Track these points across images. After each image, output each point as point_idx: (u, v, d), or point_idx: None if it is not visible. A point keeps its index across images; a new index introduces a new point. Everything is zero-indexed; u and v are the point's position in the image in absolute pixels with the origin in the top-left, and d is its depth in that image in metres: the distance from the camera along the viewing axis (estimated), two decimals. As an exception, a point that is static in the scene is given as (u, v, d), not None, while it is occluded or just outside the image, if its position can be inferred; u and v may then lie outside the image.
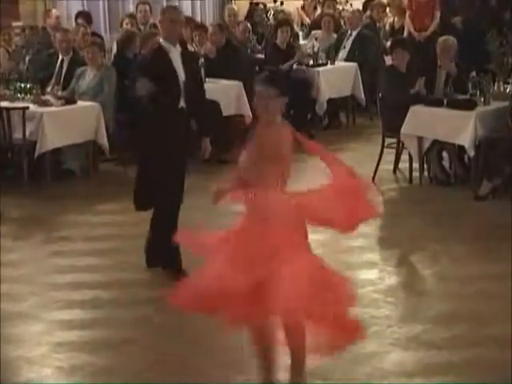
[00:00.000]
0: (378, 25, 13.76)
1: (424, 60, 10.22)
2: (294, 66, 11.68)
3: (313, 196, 4.58)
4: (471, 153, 8.70)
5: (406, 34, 12.62)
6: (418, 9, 12.53)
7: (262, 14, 14.77)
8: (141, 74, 6.52)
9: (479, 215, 8.22)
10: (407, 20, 12.69)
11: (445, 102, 8.90)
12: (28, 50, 10.51)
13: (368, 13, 13.99)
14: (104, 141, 9.49)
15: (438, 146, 9.12)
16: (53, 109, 9.33)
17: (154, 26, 11.07)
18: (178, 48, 6.66)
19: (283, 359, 4.77)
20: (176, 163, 6.64)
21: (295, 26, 13.93)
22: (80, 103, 9.59)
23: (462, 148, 8.95)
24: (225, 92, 10.48)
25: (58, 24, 12.13)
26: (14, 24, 12.57)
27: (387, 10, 14.29)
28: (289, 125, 4.67)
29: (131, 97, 6.74)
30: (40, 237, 7.84)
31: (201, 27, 11.76)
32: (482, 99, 8.95)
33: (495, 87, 9.27)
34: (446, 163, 9.36)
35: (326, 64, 11.90)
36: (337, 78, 11.86)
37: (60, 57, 10.40)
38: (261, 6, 15.25)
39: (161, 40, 6.72)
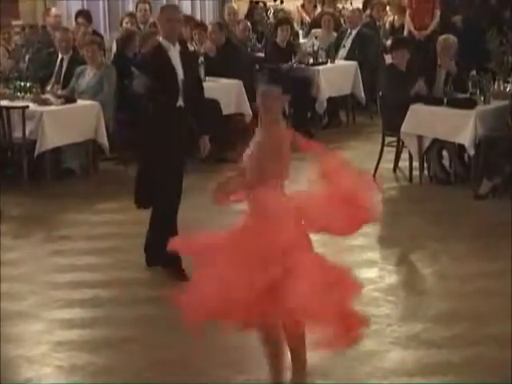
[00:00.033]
0: (377, 23, 13.75)
1: (424, 59, 10.22)
2: (294, 65, 11.68)
3: (311, 201, 4.57)
4: (471, 152, 8.70)
5: (406, 32, 12.63)
6: (418, 7, 12.53)
7: (261, 12, 14.76)
8: (140, 73, 6.53)
9: (479, 214, 8.22)
10: (407, 19, 12.69)
11: (445, 100, 8.91)
12: (28, 49, 10.50)
13: (368, 11, 13.99)
14: (104, 140, 9.48)
15: (438, 144, 9.12)
16: (52, 108, 9.32)
17: (154, 24, 11.03)
18: (177, 47, 6.66)
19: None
20: (174, 162, 6.63)
21: (295, 25, 13.92)
22: (80, 102, 9.58)
23: (462, 147, 8.95)
24: (225, 91, 10.48)
25: (58, 23, 12.12)
26: (14, 23, 12.55)
27: (387, 8, 14.29)
28: (287, 124, 4.68)
29: (131, 95, 6.75)
30: (40, 236, 7.84)
31: (201, 26, 11.75)
32: (482, 98, 8.95)
33: (495, 86, 9.27)
34: (446, 162, 9.36)
35: (325, 63, 11.89)
36: (337, 76, 11.85)
37: (60, 56, 10.39)
38: (261, 4, 15.25)
39: (160, 39, 6.72)
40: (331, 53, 12.06)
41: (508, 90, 9.27)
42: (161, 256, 6.74)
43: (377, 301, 6.22)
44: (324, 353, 5.14)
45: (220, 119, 10.03)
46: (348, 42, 12.51)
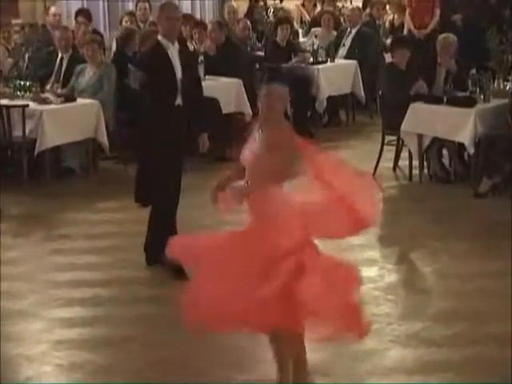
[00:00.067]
0: (377, 22, 13.76)
1: (424, 58, 10.22)
2: (294, 64, 11.67)
3: (312, 207, 4.55)
4: (471, 150, 8.70)
5: (405, 31, 12.62)
6: (417, 6, 12.52)
7: (261, 11, 14.77)
8: (136, 69, 6.53)
9: (479, 213, 8.22)
10: (407, 17, 12.68)
11: (445, 99, 8.91)
12: (27, 48, 10.49)
13: (368, 10, 14.00)
14: (104, 139, 9.48)
15: (438, 143, 9.12)
16: (52, 106, 9.31)
17: (154, 23, 11.06)
18: (177, 45, 6.66)
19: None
20: (173, 161, 6.63)
21: (295, 24, 13.93)
22: (80, 101, 9.57)
23: (461, 145, 8.95)
24: (224, 89, 10.47)
25: (58, 22, 12.12)
26: (14, 22, 12.57)
27: (387, 7, 14.30)
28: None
29: (131, 94, 6.75)
30: (40, 234, 7.84)
31: (200, 25, 11.75)
32: (482, 97, 8.96)
33: (495, 85, 9.28)
34: (445, 161, 9.37)
35: (325, 61, 11.89)
36: (337, 75, 11.85)
37: (59, 54, 10.38)
38: (261, 3, 15.27)
39: (159, 37, 6.72)
40: (331, 52, 12.05)
41: (508, 88, 9.27)
42: (160, 255, 6.75)
43: (377, 299, 6.22)
44: (325, 351, 5.17)
45: (220, 118, 10.03)
46: (348, 41, 12.51)
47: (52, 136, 9.12)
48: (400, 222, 8.11)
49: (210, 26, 11.35)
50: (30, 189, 9.05)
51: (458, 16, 12.35)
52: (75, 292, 6.48)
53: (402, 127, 9.05)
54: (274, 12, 14.79)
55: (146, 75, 6.74)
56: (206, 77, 10.20)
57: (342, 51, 12.45)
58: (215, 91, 9.95)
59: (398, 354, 5.42)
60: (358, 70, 11.94)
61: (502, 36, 9.92)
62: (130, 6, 13.76)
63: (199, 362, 5.33)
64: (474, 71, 9.22)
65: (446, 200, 8.64)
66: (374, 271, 6.80)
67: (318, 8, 15.50)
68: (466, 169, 9.13)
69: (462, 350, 5.41)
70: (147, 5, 12.45)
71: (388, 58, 10.73)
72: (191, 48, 10.63)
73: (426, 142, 9.06)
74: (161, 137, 6.54)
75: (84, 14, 12.42)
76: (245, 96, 10.55)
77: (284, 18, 12.48)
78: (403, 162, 9.52)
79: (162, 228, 6.55)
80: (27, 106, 9.09)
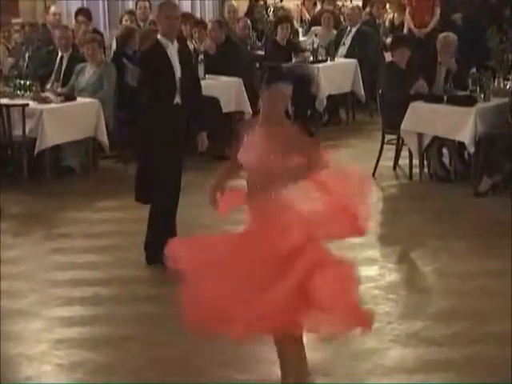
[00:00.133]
0: (377, 21, 13.77)
1: (424, 57, 10.22)
2: (294, 63, 11.67)
3: (313, 216, 4.53)
4: (471, 149, 8.70)
5: (405, 30, 12.62)
6: (417, 5, 12.52)
7: (261, 10, 14.77)
8: (133, 66, 6.53)
9: (479, 212, 8.22)
10: (407, 16, 12.68)
11: (445, 98, 8.90)
12: (28, 47, 10.50)
13: (368, 9, 14.01)
14: (104, 138, 9.48)
15: (438, 142, 9.11)
16: (52, 106, 9.31)
17: (154, 22, 11.05)
18: (176, 44, 6.66)
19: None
20: (173, 159, 6.63)
21: (295, 23, 13.93)
22: (80, 100, 9.57)
23: (462, 144, 8.95)
24: (224, 88, 10.47)
25: (58, 21, 12.13)
26: (14, 21, 12.58)
27: (387, 6, 14.31)
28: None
29: (131, 93, 6.75)
30: (40, 234, 7.84)
31: (200, 24, 11.75)
32: (482, 95, 8.95)
33: (495, 84, 9.27)
34: (446, 159, 9.36)
35: (325, 60, 11.89)
36: (336, 74, 11.85)
37: (59, 53, 10.39)
38: (261, 2, 15.25)
39: (158, 36, 6.72)
40: (331, 50, 12.05)
41: (508, 87, 9.27)
42: (161, 254, 6.74)
43: (377, 299, 6.22)
44: (325, 350, 5.17)
45: (220, 117, 10.03)
46: (348, 40, 12.51)
47: (52, 135, 9.12)
48: (400, 221, 8.11)
49: (210, 25, 11.35)
50: (30, 188, 9.05)
51: (458, 15, 12.36)
52: (75, 291, 6.48)
53: (402, 126, 9.05)
54: (274, 11, 14.78)
55: (144, 73, 6.75)
56: (206, 76, 10.20)
57: (342, 50, 12.44)
58: (215, 90, 9.95)
59: (398, 354, 5.42)
60: (358, 68, 11.94)
61: (503, 35, 9.92)
62: (130, 5, 13.77)
63: (199, 362, 5.33)
64: (474, 70, 9.23)
65: (446, 199, 8.64)
66: (374, 270, 6.79)
67: (318, 7, 15.49)
68: (466, 168, 9.13)
69: (462, 349, 5.41)
70: (147, 4, 12.45)
71: (388, 56, 10.72)
72: (191, 47, 10.62)
73: (426, 141, 9.06)
74: (160, 135, 6.54)
75: (84, 13, 12.43)
76: (245, 95, 10.55)
77: (284, 17, 12.49)
78: (403, 161, 9.52)
79: (162, 227, 6.56)
80: (27, 105, 9.09)
